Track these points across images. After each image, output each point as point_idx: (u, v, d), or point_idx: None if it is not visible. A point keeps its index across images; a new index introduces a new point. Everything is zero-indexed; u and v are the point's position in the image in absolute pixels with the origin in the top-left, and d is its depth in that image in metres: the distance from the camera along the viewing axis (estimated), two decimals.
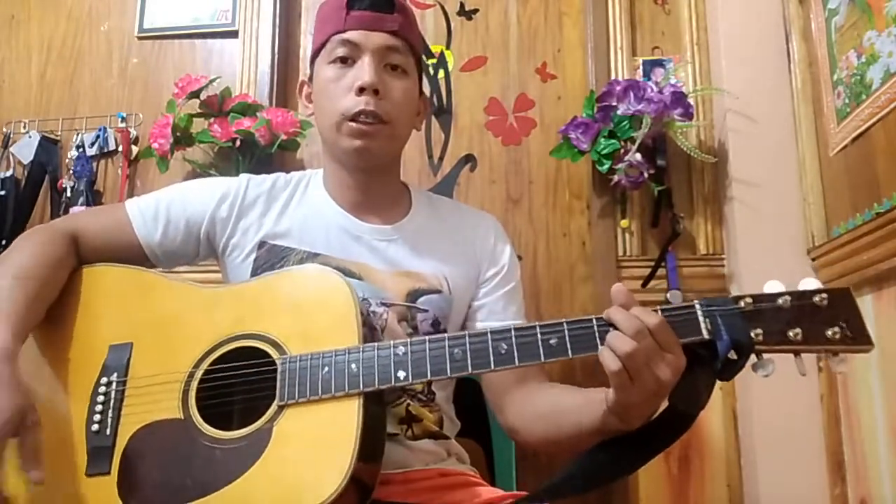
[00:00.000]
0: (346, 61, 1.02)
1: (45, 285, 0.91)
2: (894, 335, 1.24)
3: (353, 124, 1.00)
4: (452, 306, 1.05)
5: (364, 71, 0.99)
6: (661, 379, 0.74)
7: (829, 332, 0.72)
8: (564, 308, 1.80)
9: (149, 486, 0.80)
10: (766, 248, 1.61)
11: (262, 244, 1.04)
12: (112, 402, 0.86)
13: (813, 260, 1.55)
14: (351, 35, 1.01)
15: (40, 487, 0.81)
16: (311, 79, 1.09)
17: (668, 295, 1.68)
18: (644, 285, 1.69)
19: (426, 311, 1.03)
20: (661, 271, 1.70)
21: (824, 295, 0.73)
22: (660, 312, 0.76)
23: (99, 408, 0.86)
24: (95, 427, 0.84)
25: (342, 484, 0.73)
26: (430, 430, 1.02)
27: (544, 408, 0.97)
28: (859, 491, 1.38)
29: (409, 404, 1.01)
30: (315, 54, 1.07)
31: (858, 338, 0.72)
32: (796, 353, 0.75)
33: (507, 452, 1.28)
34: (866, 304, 1.33)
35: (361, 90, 0.99)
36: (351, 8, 1.01)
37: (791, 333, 0.73)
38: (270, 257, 1.02)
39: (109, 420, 0.85)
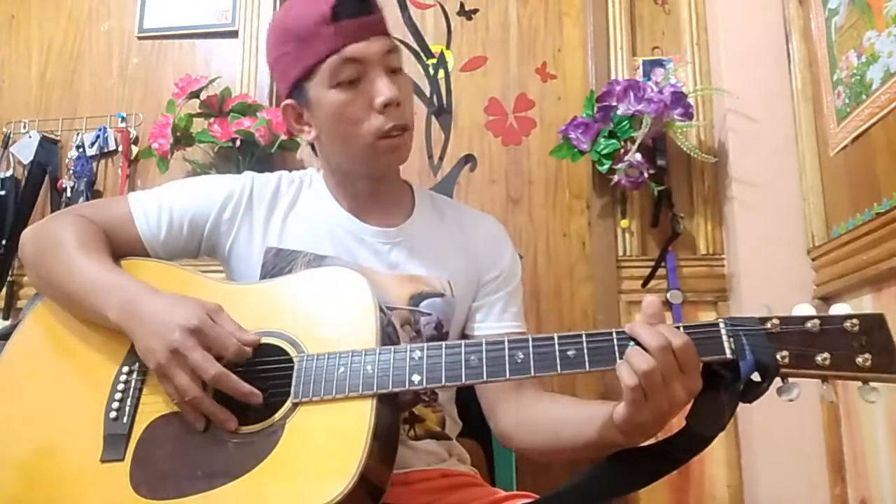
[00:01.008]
0: (353, 82, 0.96)
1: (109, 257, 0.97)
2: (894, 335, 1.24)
3: (387, 140, 0.98)
4: (455, 309, 1.05)
5: (382, 86, 0.95)
6: (675, 399, 0.72)
7: (860, 359, 0.70)
8: (564, 308, 1.80)
9: (159, 476, 0.80)
10: (766, 248, 1.61)
11: (269, 248, 1.03)
12: (132, 391, 0.87)
13: (813, 260, 1.55)
14: (351, 51, 0.94)
15: (54, 470, 0.82)
16: (300, 102, 1.01)
17: (668, 295, 1.68)
18: (644, 285, 1.70)
19: (429, 314, 1.02)
20: (661, 271, 1.70)
21: (855, 321, 0.71)
22: (682, 329, 0.74)
23: (118, 396, 0.86)
24: (114, 414, 0.85)
25: (350, 483, 0.73)
26: (432, 431, 1.03)
27: (542, 418, 0.96)
28: (859, 491, 1.38)
29: None
30: (303, 77, 0.97)
31: (890, 366, 0.69)
32: (824, 379, 0.73)
33: (508, 453, 1.27)
34: (866, 305, 1.33)
35: (385, 106, 0.96)
36: (336, 19, 0.94)
37: (819, 358, 0.71)
38: (278, 261, 1.02)
39: (127, 409, 0.85)
